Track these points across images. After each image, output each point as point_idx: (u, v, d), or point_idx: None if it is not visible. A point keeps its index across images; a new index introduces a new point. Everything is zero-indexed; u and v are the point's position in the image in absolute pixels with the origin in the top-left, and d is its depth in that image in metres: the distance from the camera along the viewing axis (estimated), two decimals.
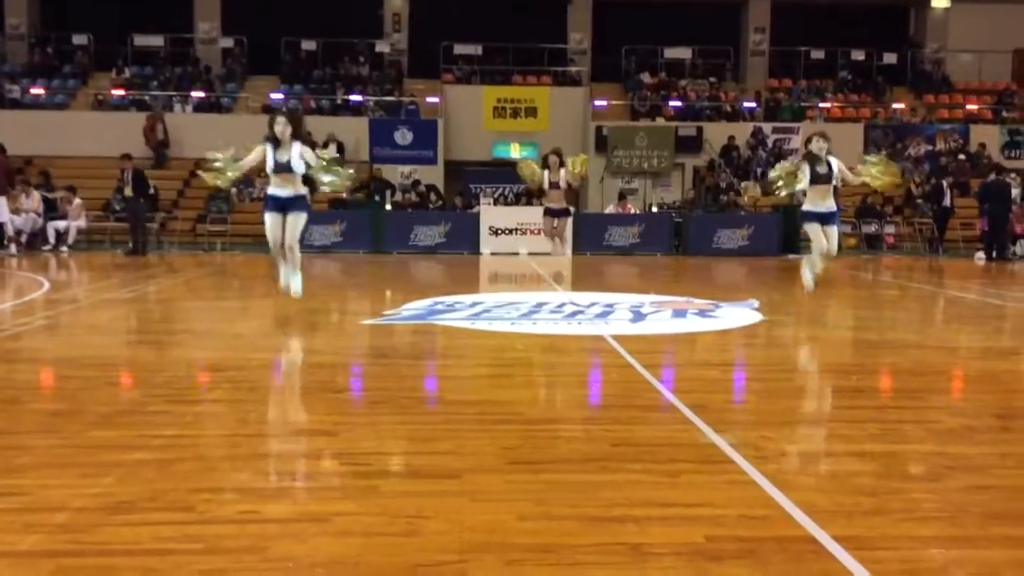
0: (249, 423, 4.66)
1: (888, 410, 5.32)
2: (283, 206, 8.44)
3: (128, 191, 17.70)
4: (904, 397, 5.68)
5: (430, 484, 3.64)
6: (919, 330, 8.77)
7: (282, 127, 8.30)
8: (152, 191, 18.60)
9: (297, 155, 8.29)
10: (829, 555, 2.92)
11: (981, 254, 18.75)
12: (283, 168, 8.32)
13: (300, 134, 8.51)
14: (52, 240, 18.61)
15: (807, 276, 9.47)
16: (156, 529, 3.10)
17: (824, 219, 9.05)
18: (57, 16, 26.31)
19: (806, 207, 9.19)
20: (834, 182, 8.90)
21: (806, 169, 8.83)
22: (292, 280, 8.60)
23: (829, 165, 8.84)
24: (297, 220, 8.50)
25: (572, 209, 13.31)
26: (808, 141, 9.20)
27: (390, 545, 2.98)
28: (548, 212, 12.65)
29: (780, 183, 9.05)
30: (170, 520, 3.20)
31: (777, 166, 9.37)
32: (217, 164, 8.59)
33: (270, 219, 8.47)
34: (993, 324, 9.38)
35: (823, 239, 9.07)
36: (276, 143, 8.32)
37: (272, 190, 8.49)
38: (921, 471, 3.96)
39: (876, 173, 9.10)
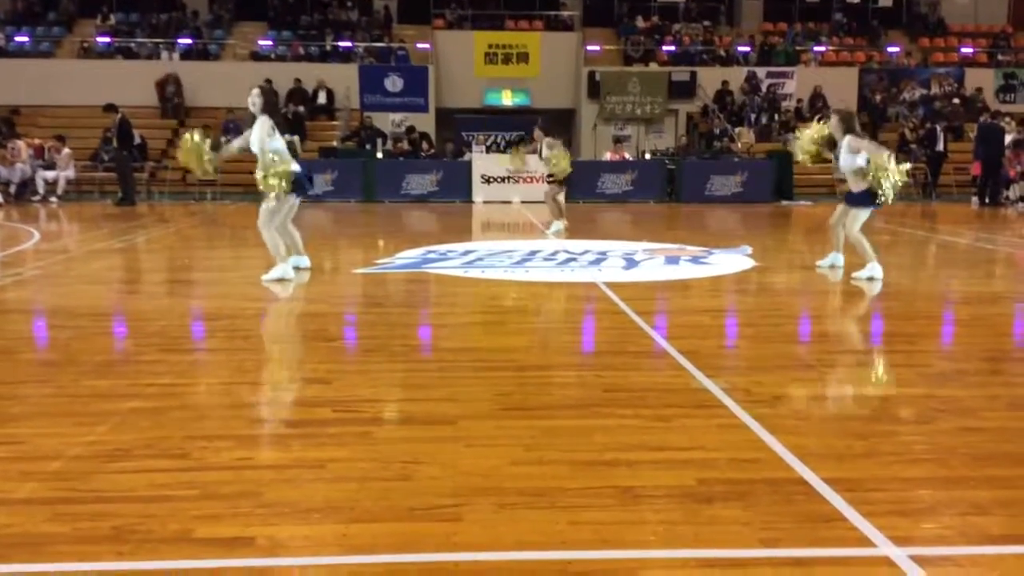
0: (243, 371, 4.67)
1: (880, 354, 5.35)
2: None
3: (114, 141, 17.53)
4: (895, 341, 5.70)
5: (424, 430, 3.67)
6: (911, 275, 8.79)
7: (252, 98, 7.66)
8: (138, 140, 18.40)
9: (255, 136, 7.55)
10: (820, 497, 2.96)
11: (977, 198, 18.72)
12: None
13: (270, 110, 7.68)
14: (41, 190, 18.47)
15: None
16: (151, 476, 3.12)
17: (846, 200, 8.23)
18: None
19: None
20: (844, 164, 7.85)
21: None
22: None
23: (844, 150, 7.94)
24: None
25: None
26: None
27: (384, 490, 3.01)
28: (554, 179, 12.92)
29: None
30: (165, 467, 3.22)
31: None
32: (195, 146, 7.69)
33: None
34: (984, 268, 9.40)
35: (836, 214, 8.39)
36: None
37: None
38: (911, 414, 3.99)
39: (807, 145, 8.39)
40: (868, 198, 7.85)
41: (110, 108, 17.41)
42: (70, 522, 2.75)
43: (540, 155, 13.04)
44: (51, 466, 3.21)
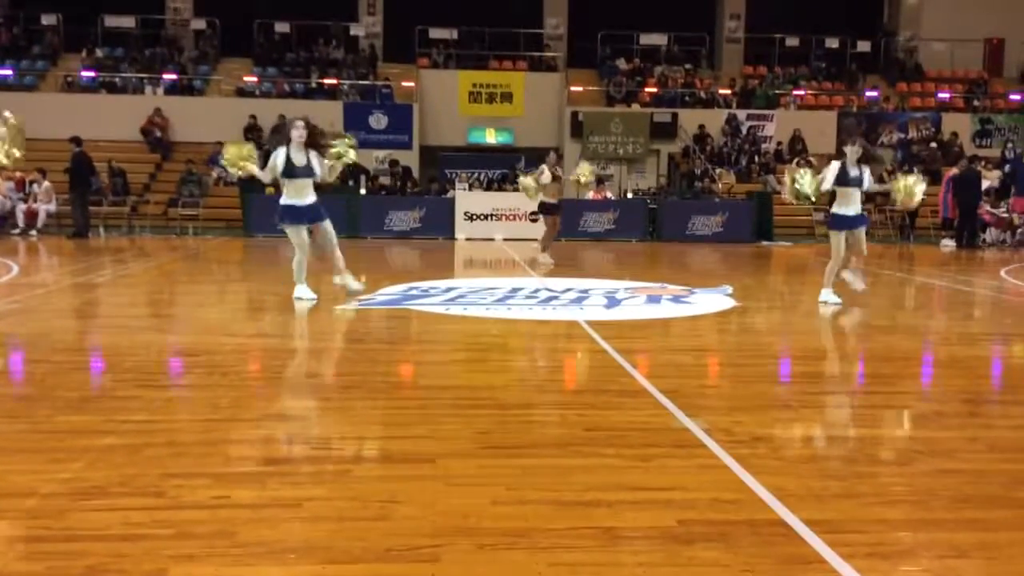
0: (221, 408, 4.63)
1: (858, 395, 5.37)
2: (310, 217, 8.22)
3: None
4: (874, 382, 5.73)
5: (403, 469, 3.64)
6: (889, 316, 8.86)
7: (300, 131, 8.08)
8: (95, 174, 18.37)
9: (317, 162, 8.15)
10: (799, 538, 2.95)
11: (947, 241, 18.98)
12: (301, 172, 8.10)
13: (317, 143, 8.28)
14: (21, 223, 18.37)
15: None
16: (126, 514, 3.08)
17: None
18: None
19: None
20: (868, 187, 8.56)
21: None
22: (346, 282, 8.53)
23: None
24: (329, 227, 8.32)
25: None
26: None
27: (362, 530, 2.97)
28: (546, 208, 13.31)
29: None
30: (140, 505, 3.17)
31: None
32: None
33: (296, 232, 8.27)
34: (962, 311, 9.49)
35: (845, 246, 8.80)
36: (291, 148, 8.12)
37: (289, 200, 8.21)
38: (890, 455, 4.00)
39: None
40: None
41: (73, 141, 17.54)
42: (43, 560, 2.70)
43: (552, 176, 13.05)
44: (24, 503, 3.16)
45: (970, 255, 16.88)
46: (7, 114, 8.11)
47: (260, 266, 13.24)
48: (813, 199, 8.79)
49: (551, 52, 26.49)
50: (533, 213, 13.91)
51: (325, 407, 4.70)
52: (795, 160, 9.07)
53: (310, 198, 8.21)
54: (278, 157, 8.12)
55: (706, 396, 5.22)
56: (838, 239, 8.63)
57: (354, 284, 8.61)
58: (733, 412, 4.64)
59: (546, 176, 12.92)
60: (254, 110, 22.34)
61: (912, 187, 8.56)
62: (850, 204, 8.51)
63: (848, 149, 8.50)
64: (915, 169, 8.98)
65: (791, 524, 3.06)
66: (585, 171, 13.49)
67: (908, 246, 19.21)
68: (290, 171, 8.10)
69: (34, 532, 2.92)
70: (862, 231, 8.72)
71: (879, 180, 8.90)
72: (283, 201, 8.27)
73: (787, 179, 8.82)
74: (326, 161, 8.26)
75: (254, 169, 8.36)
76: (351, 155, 8.53)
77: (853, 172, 8.41)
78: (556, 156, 13.40)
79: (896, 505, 3.30)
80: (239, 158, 8.35)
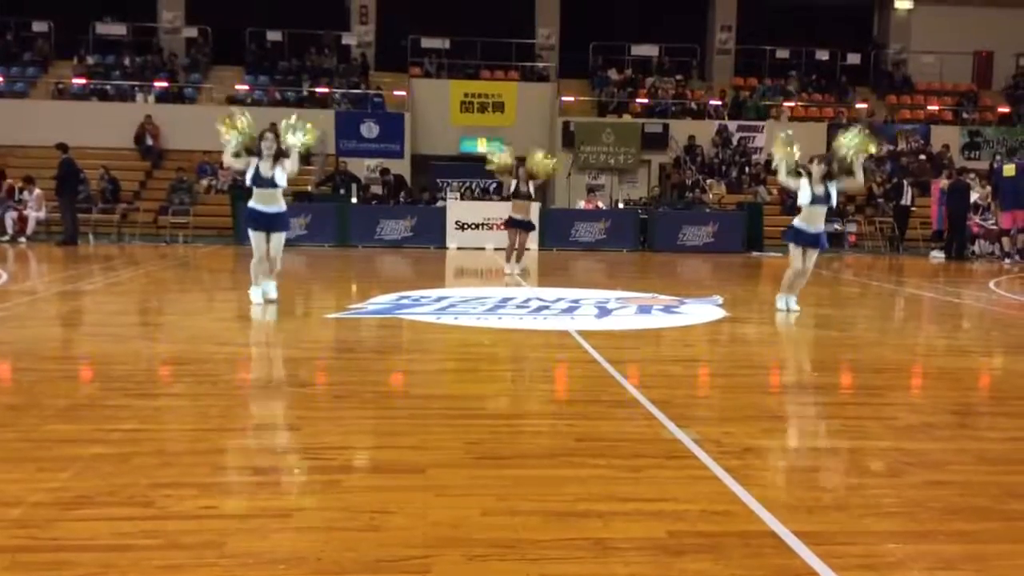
0: (210, 417, 4.61)
1: (848, 406, 5.38)
2: (267, 224, 8.63)
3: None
4: (864, 394, 5.74)
5: (394, 479, 3.63)
6: (879, 328, 8.89)
7: (269, 143, 8.47)
8: (82, 177, 18.43)
9: (280, 172, 8.51)
10: (789, 550, 2.95)
11: (935, 253, 19.08)
12: (266, 184, 8.50)
13: (283, 152, 8.65)
14: (11, 230, 18.30)
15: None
16: (114, 524, 3.05)
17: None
18: (16, 2, 25.74)
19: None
20: (832, 204, 8.77)
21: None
22: (269, 286, 8.86)
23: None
24: (281, 239, 8.77)
25: (535, 224, 13.78)
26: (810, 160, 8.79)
27: (352, 540, 2.96)
28: (512, 223, 13.22)
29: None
30: (128, 515, 3.15)
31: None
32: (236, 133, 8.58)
33: (255, 237, 8.68)
34: (951, 322, 9.52)
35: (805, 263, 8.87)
36: (261, 158, 8.51)
37: (255, 204, 8.61)
38: (880, 467, 4.00)
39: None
40: None
41: (60, 147, 17.56)
42: (29, 571, 2.68)
43: (516, 190, 13.04)
44: (11, 513, 3.13)
45: (959, 266, 16.96)
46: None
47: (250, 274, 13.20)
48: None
49: (543, 62, 26.56)
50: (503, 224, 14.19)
51: (315, 416, 4.68)
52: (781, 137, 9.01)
53: (275, 207, 8.62)
54: (251, 166, 8.52)
55: (697, 407, 5.22)
56: (797, 252, 8.81)
57: (256, 296, 8.78)
58: (724, 423, 4.64)
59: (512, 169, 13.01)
60: None
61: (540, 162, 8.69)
62: (812, 221, 8.68)
63: (814, 168, 8.55)
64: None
65: (781, 536, 3.06)
66: (539, 159, 13.02)
67: (897, 258, 19.28)
68: (256, 180, 8.52)
69: (20, 542, 2.90)
70: (815, 254, 8.90)
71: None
72: (250, 204, 8.66)
73: (779, 153, 8.84)
74: (295, 145, 8.62)
75: (231, 142, 8.55)
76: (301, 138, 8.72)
77: (818, 190, 8.52)
78: (527, 171, 12.94)
79: (886, 517, 3.31)
80: (239, 128, 8.54)
